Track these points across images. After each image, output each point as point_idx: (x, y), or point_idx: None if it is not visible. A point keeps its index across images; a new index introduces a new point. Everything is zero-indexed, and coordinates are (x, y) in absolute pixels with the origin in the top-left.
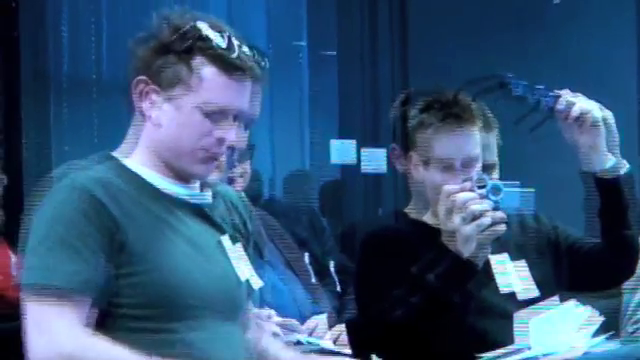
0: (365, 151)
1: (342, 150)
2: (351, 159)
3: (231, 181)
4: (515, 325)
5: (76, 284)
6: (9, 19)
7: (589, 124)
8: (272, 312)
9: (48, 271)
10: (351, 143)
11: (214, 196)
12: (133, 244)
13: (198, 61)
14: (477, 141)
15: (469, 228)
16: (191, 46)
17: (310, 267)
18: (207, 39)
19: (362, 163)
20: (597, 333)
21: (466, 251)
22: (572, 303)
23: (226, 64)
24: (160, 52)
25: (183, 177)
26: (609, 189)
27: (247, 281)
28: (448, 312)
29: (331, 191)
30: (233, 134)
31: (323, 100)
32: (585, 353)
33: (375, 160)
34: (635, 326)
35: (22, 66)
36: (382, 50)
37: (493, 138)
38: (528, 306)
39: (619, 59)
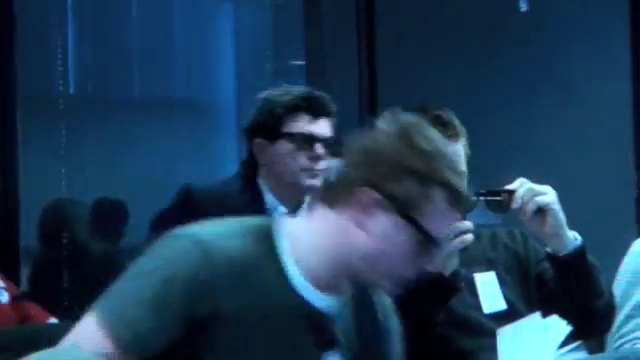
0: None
1: None
2: None
3: None
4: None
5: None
6: None
7: (548, 215)
8: None
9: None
10: None
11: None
12: (220, 337)
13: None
14: (463, 158)
15: None
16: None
17: None
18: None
19: None
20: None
21: None
22: (539, 314)
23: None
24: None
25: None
26: (576, 265)
27: None
28: (422, 326)
29: None
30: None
31: None
32: None
33: None
34: (621, 340)
35: None
36: (349, 63)
37: (461, 147)
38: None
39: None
